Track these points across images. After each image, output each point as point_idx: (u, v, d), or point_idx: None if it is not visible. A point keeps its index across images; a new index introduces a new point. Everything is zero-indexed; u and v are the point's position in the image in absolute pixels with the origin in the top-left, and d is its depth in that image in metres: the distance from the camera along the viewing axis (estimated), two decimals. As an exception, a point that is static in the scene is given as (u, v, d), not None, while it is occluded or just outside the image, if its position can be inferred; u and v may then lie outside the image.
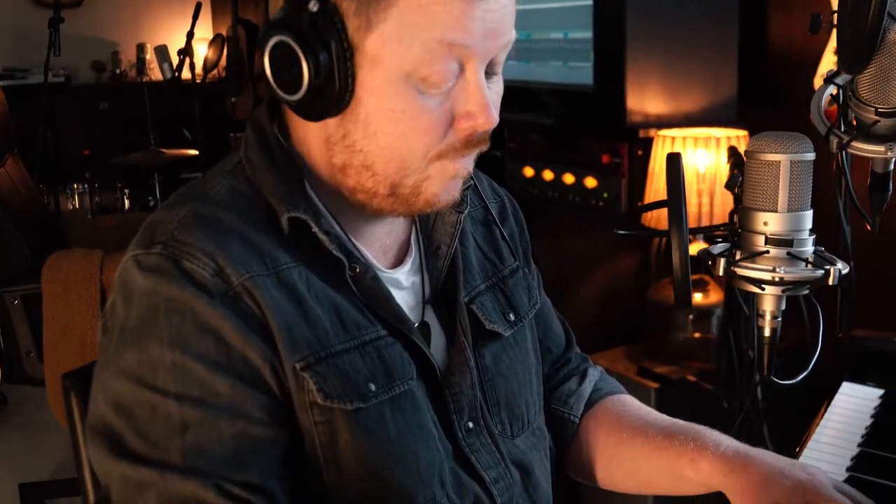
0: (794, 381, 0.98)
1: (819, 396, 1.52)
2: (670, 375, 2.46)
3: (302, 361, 0.92)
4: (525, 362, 1.14)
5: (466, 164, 0.99)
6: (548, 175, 2.85)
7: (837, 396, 1.52)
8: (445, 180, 0.98)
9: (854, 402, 1.50)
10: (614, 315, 2.72)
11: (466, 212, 1.09)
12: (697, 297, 2.50)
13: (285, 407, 0.93)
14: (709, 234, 1.07)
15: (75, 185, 5.08)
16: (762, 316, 0.96)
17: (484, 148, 0.98)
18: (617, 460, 1.21)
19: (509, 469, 1.07)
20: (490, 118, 0.94)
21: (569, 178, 2.77)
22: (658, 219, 2.35)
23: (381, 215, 1.01)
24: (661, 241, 2.67)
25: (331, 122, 0.95)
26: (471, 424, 1.05)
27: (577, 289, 2.70)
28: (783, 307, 0.97)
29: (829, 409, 1.48)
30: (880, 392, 1.52)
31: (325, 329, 0.94)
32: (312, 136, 0.98)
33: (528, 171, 2.92)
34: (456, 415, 1.04)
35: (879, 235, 1.15)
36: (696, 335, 2.51)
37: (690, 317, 2.50)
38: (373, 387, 0.95)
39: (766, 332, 0.97)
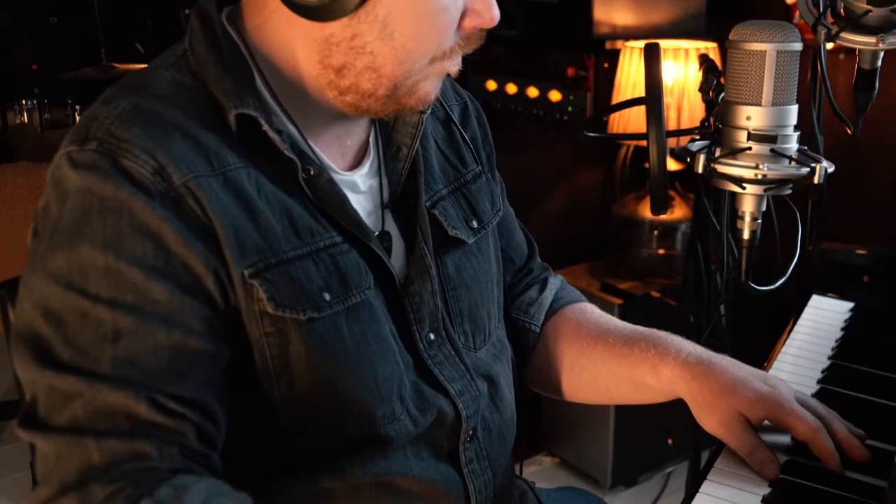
0: (771, 287, 0.93)
1: (787, 311, 1.49)
2: (634, 291, 2.43)
3: (251, 268, 0.85)
4: (487, 272, 1.09)
5: (458, 62, 0.95)
6: (511, 88, 2.78)
7: (807, 310, 1.48)
8: (439, 79, 0.95)
9: (824, 315, 1.46)
10: (578, 231, 2.68)
11: (428, 113, 1.02)
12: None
13: (228, 319, 0.86)
14: (685, 135, 1.01)
15: (24, 101, 4.90)
16: (741, 218, 0.91)
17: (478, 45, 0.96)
18: (577, 370, 1.17)
19: (474, 381, 1.02)
20: (494, 15, 0.92)
21: (532, 92, 2.70)
22: (626, 126, 2.30)
23: (355, 115, 0.95)
24: (627, 155, 2.61)
25: (335, 23, 0.88)
26: (432, 336, 0.99)
27: (541, 204, 2.65)
28: (763, 208, 0.91)
29: (799, 322, 1.44)
30: (850, 305, 1.49)
31: (275, 234, 0.88)
32: (299, 35, 0.91)
33: (491, 85, 2.84)
34: (416, 326, 0.98)
35: (848, 146, 1.10)
36: (661, 251, 2.48)
37: (655, 232, 2.47)
38: (327, 296, 0.89)
39: (746, 235, 0.91)
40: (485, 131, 1.16)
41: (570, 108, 2.58)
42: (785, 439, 1.05)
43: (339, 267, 0.91)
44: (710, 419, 1.05)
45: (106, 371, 0.80)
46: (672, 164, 2.44)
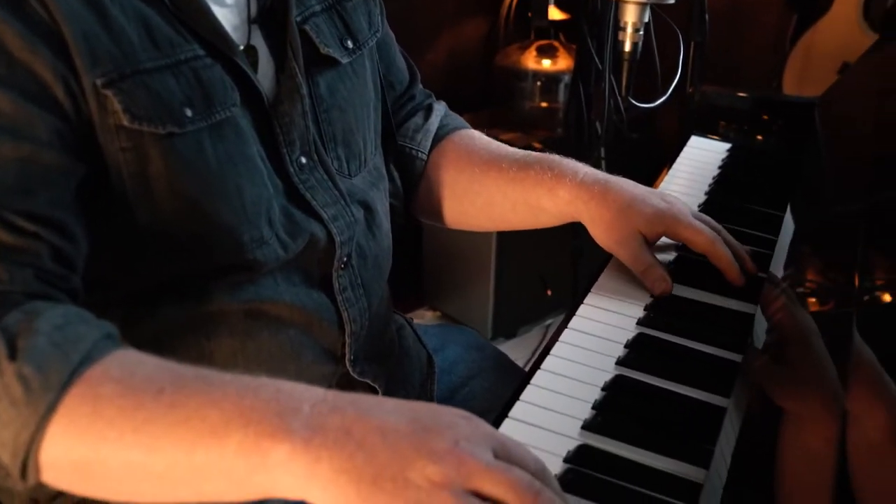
0: (653, 104, 0.91)
1: (668, 156, 1.49)
2: (516, 142, 2.41)
3: (103, 77, 0.79)
4: (363, 95, 1.04)
5: None
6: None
7: (685, 150, 1.49)
8: None
9: (702, 155, 1.47)
10: (461, 82, 2.63)
11: None
12: (546, 64, 2.43)
13: (81, 132, 0.80)
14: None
15: None
16: (623, 29, 0.88)
17: None
18: (470, 196, 1.15)
19: (349, 207, 0.99)
20: None
21: (415, -63, 2.59)
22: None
23: None
24: (512, 4, 2.56)
25: None
26: (304, 160, 0.95)
27: (423, 54, 2.58)
28: (645, 19, 0.89)
29: (677, 161, 1.45)
30: (728, 146, 1.50)
31: (130, 43, 0.81)
32: None
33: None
34: (287, 148, 0.93)
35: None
36: (544, 104, 2.46)
37: (538, 84, 2.44)
38: (189, 112, 0.83)
39: (627, 47, 0.89)
40: None
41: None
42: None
43: (202, 81, 0.85)
44: (608, 237, 1.06)
45: None
46: (556, 14, 2.40)
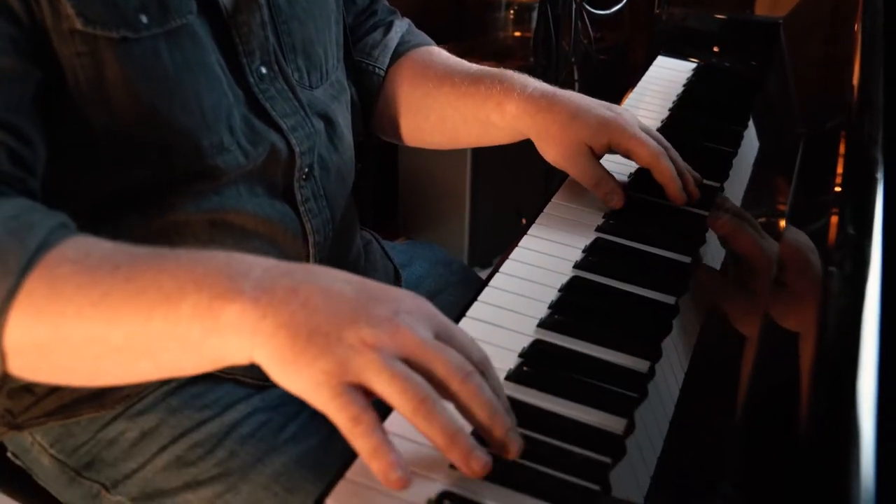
0: (608, 11, 0.91)
1: (636, 77, 1.50)
2: (489, 72, 2.41)
3: None
4: (323, 7, 1.04)
5: None
6: None
7: (651, 69, 1.50)
8: None
9: (667, 74, 1.48)
10: (434, 13, 2.61)
11: None
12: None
13: (36, 39, 0.80)
14: None
15: None
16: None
17: None
18: (424, 112, 1.15)
19: (309, 118, 0.99)
20: None
21: None
22: None
23: None
24: (483, -66, 2.54)
25: None
26: (264, 70, 0.95)
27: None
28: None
29: (643, 80, 1.46)
30: (694, 65, 1.51)
31: None
32: None
33: None
34: (246, 58, 0.93)
35: None
36: (517, 34, 2.45)
37: (511, 13, 2.43)
38: (144, 18, 0.84)
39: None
40: None
41: None
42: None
43: None
44: (554, 151, 1.05)
45: None
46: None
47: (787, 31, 1.48)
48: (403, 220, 2.74)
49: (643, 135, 1.02)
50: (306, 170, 0.99)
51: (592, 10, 0.92)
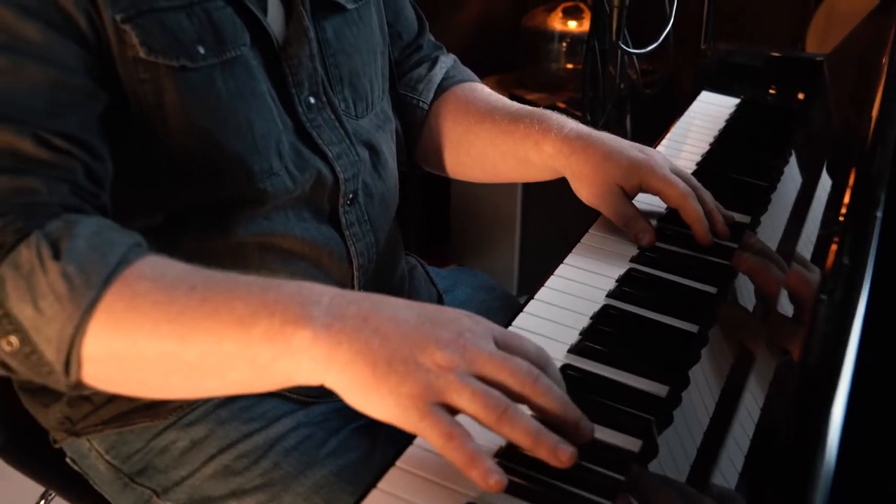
0: (643, 50, 0.95)
1: (681, 109, 1.53)
2: (541, 102, 2.45)
3: (122, 13, 0.85)
4: (370, 41, 1.10)
5: None
6: None
7: (694, 104, 1.53)
8: None
9: (710, 109, 1.51)
10: (489, 43, 2.67)
11: None
12: (571, 25, 2.46)
13: (103, 63, 0.86)
14: None
15: None
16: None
17: None
18: (465, 147, 1.20)
19: (354, 146, 1.04)
20: None
21: None
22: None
23: None
24: (539, -32, 2.59)
25: None
26: (312, 100, 1.01)
27: (452, 15, 2.62)
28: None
29: (685, 114, 1.49)
30: (737, 101, 1.54)
31: None
32: None
33: None
34: (295, 88, 0.99)
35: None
36: (569, 66, 2.49)
37: (564, 45, 2.47)
38: (201, 49, 0.90)
39: (616, -4, 0.94)
40: None
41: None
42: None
43: (214, 21, 0.91)
44: (587, 191, 1.10)
45: None
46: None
47: (829, 66, 1.50)
48: (454, 246, 2.79)
49: (673, 176, 1.05)
50: (351, 196, 1.04)
51: (626, 49, 0.96)
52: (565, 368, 0.87)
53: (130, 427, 1.03)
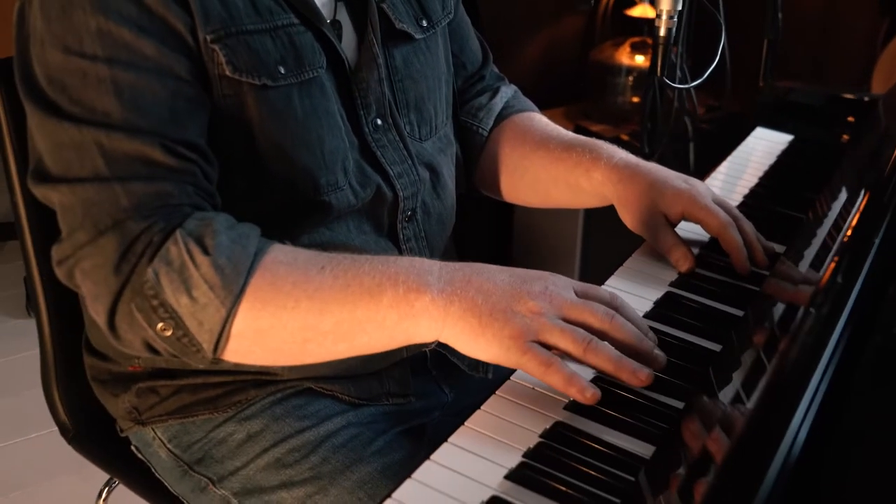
0: (687, 85, 1.00)
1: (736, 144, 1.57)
2: (605, 134, 2.50)
3: (213, 34, 0.93)
4: (435, 69, 1.17)
5: None
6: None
7: (748, 139, 1.57)
8: None
9: (763, 145, 1.55)
10: (557, 75, 2.73)
11: None
12: (638, 60, 2.51)
13: (206, 74, 0.95)
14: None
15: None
16: (659, 17, 0.98)
17: None
18: (520, 172, 1.26)
19: (416, 167, 1.11)
20: None
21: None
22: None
23: None
24: (609, 3, 2.65)
25: None
26: (379, 121, 1.08)
27: (523, 47, 2.69)
28: (679, 7, 0.99)
29: (738, 150, 1.53)
30: (790, 137, 1.57)
31: (237, 8, 0.96)
32: None
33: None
34: (363, 110, 1.06)
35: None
36: (634, 99, 2.54)
37: (630, 79, 2.53)
38: (282, 69, 0.98)
39: (662, 32, 0.99)
40: None
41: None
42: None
43: (295, 44, 0.99)
44: (632, 217, 1.15)
45: (118, 122, 0.89)
46: (649, 11, 2.48)
47: (885, 105, 1.53)
48: (515, 254, 2.82)
49: (714, 206, 1.10)
50: (409, 212, 1.11)
51: (670, 84, 1.01)
52: (595, 380, 0.92)
53: (192, 418, 1.11)
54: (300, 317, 0.88)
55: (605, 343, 0.87)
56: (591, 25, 2.73)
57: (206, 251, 0.87)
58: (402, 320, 0.86)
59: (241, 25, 0.95)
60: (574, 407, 0.87)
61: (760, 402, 0.61)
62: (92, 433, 1.27)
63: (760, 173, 1.43)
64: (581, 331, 0.86)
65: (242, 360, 0.92)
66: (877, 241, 0.70)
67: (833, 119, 1.62)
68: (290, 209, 1.02)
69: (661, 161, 1.93)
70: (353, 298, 0.87)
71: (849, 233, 0.77)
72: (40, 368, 1.28)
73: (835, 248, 0.82)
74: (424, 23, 1.15)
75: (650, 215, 1.13)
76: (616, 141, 2.50)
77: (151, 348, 0.92)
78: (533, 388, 0.89)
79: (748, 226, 1.14)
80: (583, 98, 2.66)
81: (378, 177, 1.07)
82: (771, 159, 1.49)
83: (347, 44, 1.07)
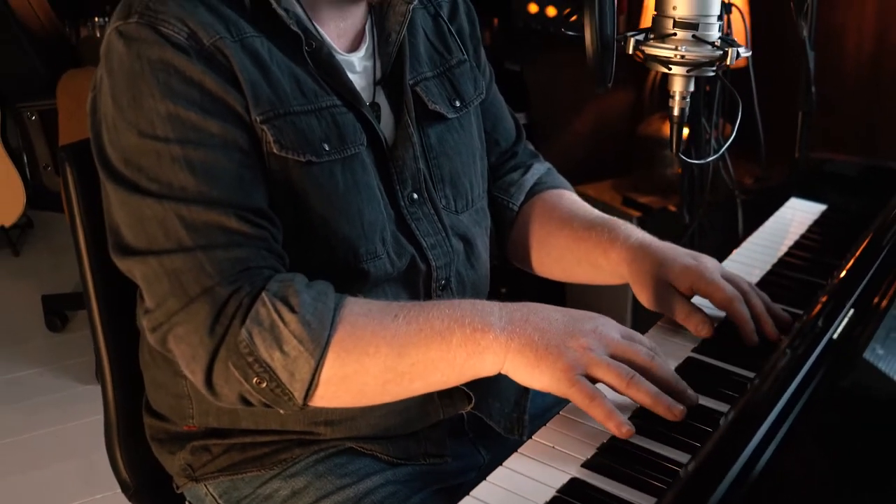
0: (701, 161, 1.07)
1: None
2: (652, 205, 2.56)
3: (262, 115, 1.02)
4: (469, 146, 1.24)
5: None
6: (551, 11, 2.88)
7: (782, 209, 1.61)
8: None
9: (796, 215, 1.59)
10: (605, 148, 2.80)
11: (415, 3, 1.17)
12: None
13: (260, 149, 1.04)
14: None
15: (96, 18, 5.11)
16: (672, 97, 1.05)
17: None
18: (546, 248, 1.33)
19: (450, 239, 1.18)
20: None
21: (570, 15, 2.80)
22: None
23: (351, 2, 1.13)
24: (656, 78, 2.72)
25: None
26: (415, 196, 1.16)
27: (571, 121, 2.77)
28: (691, 89, 1.05)
29: (771, 219, 1.57)
30: (823, 207, 1.61)
31: (284, 91, 1.05)
32: None
33: (533, 8, 2.95)
34: (399, 185, 1.14)
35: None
36: (680, 171, 2.60)
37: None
38: (326, 147, 1.06)
39: (675, 112, 1.05)
40: (473, 25, 1.31)
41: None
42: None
43: (338, 124, 1.08)
44: (646, 295, 1.21)
45: (194, 195, 0.99)
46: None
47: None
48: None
49: (721, 281, 1.15)
50: (443, 281, 1.18)
51: (684, 159, 1.06)
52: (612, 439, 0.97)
53: (241, 475, 1.18)
54: (380, 361, 0.97)
55: (646, 380, 0.96)
56: (638, 100, 2.80)
57: (292, 309, 0.96)
58: (470, 357, 0.97)
59: (289, 107, 1.05)
60: (589, 464, 0.92)
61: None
62: (150, 490, 1.34)
63: (791, 242, 1.47)
64: (625, 367, 0.96)
65: (329, 405, 1.01)
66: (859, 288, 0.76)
67: (869, 189, 1.65)
68: (332, 276, 1.08)
69: (704, 230, 1.98)
70: (426, 341, 0.97)
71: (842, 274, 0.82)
72: (104, 430, 1.35)
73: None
74: (457, 103, 1.23)
75: (661, 291, 1.19)
76: (663, 211, 2.56)
77: (246, 400, 1.01)
78: (553, 448, 0.95)
79: (757, 299, 1.18)
80: (631, 171, 2.73)
81: (412, 248, 1.15)
82: (802, 229, 1.53)
83: (385, 123, 1.16)
